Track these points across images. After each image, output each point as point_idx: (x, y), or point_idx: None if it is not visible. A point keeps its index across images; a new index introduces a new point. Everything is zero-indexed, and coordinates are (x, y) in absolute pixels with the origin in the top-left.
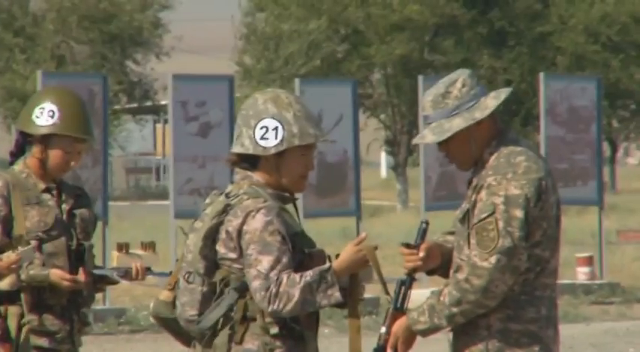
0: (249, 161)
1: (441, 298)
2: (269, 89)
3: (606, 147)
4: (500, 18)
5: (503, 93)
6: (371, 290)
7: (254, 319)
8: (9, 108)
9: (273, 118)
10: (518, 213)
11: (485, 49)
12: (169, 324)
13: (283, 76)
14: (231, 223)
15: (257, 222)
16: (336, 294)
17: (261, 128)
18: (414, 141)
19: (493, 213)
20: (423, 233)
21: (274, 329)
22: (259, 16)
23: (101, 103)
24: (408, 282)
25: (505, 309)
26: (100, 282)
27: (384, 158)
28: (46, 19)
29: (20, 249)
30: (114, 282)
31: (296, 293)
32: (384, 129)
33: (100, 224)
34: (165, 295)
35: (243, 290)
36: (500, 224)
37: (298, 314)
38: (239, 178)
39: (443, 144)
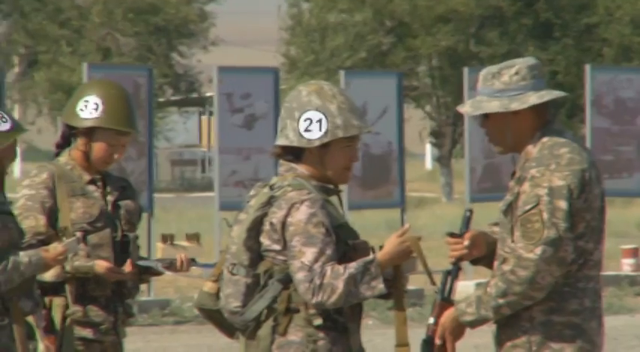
0: (294, 153)
1: (488, 289)
2: (312, 81)
3: None
4: (546, 9)
5: (550, 94)
6: (415, 282)
7: (297, 311)
8: (54, 100)
9: (317, 110)
10: (563, 205)
11: (530, 41)
12: (213, 316)
13: (329, 68)
14: (276, 215)
15: (301, 213)
16: (380, 286)
17: (305, 120)
18: (457, 107)
19: (537, 204)
20: (467, 221)
21: (318, 321)
22: (305, 7)
23: (146, 95)
24: (454, 272)
25: (548, 301)
26: (145, 273)
27: (428, 150)
28: (92, 12)
29: (65, 240)
30: (158, 273)
31: (340, 285)
32: (428, 120)
33: (145, 216)
34: (209, 286)
35: (286, 281)
36: (545, 215)
37: (342, 306)
38: (283, 170)
39: (484, 122)
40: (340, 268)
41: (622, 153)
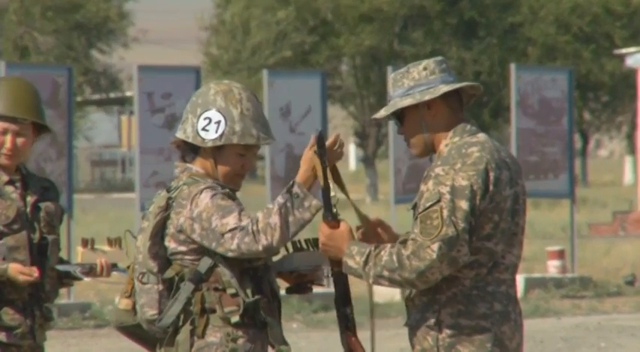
0: (191, 148)
1: (382, 254)
2: (226, 81)
3: (577, 140)
4: (470, 9)
5: (461, 83)
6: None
7: (213, 310)
8: None
9: (219, 111)
10: (464, 205)
11: (454, 40)
12: (134, 331)
13: (250, 66)
14: (181, 214)
15: (204, 199)
16: (314, 202)
17: (205, 119)
18: (372, 117)
19: (438, 201)
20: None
21: (235, 318)
22: (228, 5)
23: (65, 95)
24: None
25: (456, 304)
26: (66, 277)
27: (352, 150)
28: (9, 10)
29: None
30: (77, 278)
31: (276, 219)
32: (352, 120)
33: (64, 217)
34: (124, 303)
35: (198, 281)
36: (445, 212)
37: (289, 239)
38: (178, 171)
39: (400, 127)
40: (269, 206)
41: (547, 154)
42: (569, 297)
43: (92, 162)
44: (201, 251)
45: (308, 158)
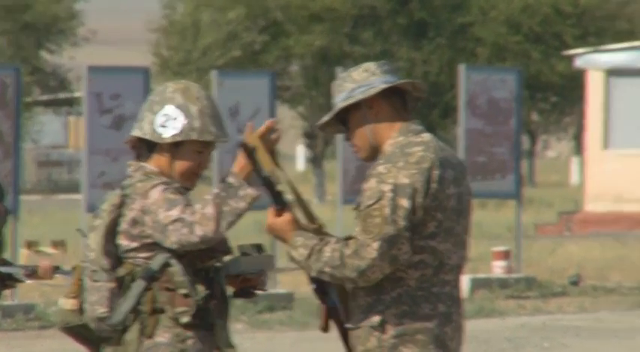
0: (148, 146)
1: (326, 249)
2: (184, 80)
3: (525, 140)
4: (420, 9)
5: (400, 81)
6: (284, 285)
7: (163, 311)
8: None
9: (177, 108)
10: (405, 203)
11: (404, 41)
12: (79, 332)
13: (200, 67)
14: (134, 210)
15: (156, 193)
16: (249, 191)
17: (163, 115)
18: (317, 124)
19: (380, 199)
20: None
21: (185, 319)
22: (178, 6)
23: (13, 95)
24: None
25: (401, 305)
26: (8, 279)
27: (301, 151)
28: None
29: None
30: (20, 281)
31: (211, 210)
32: (301, 121)
33: (10, 218)
34: (70, 304)
35: (149, 278)
36: (386, 211)
37: (225, 230)
38: (132, 170)
39: (347, 133)
40: (204, 197)
41: (495, 155)
42: (514, 297)
43: (39, 162)
44: (154, 248)
45: (239, 151)
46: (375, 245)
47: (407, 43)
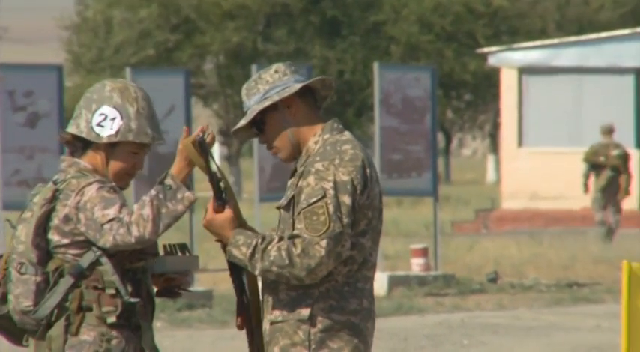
0: (82, 143)
1: (269, 248)
2: (121, 79)
3: (441, 138)
4: (332, 7)
5: (313, 79)
6: (203, 283)
7: (90, 309)
8: None
9: (115, 108)
10: (347, 200)
11: (317, 39)
12: (0, 323)
13: (114, 65)
14: (67, 206)
15: (91, 190)
16: (187, 194)
17: (100, 114)
18: (232, 130)
19: (323, 197)
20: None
21: (111, 319)
22: (90, 4)
23: None
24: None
25: (328, 300)
26: None
27: (217, 148)
28: None
29: None
30: None
31: (148, 211)
32: (216, 119)
33: None
34: None
35: (78, 275)
36: (331, 208)
37: (162, 231)
38: (66, 165)
39: (262, 135)
40: (143, 198)
41: (411, 153)
42: (432, 295)
43: None
44: (85, 245)
45: (182, 149)
46: (323, 243)
47: (320, 41)
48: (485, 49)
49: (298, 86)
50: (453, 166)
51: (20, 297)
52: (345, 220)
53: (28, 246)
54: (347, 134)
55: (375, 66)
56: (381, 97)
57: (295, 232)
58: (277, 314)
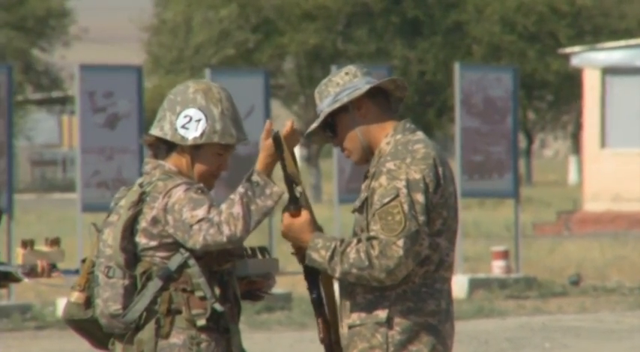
0: (167, 146)
1: (348, 250)
2: (204, 80)
3: (522, 139)
4: (414, 7)
5: (384, 80)
6: (282, 285)
7: (179, 312)
8: None
9: (200, 110)
10: (420, 198)
11: (398, 39)
12: (83, 326)
13: (193, 65)
14: (154, 208)
15: (179, 192)
16: (275, 189)
17: (185, 117)
18: (305, 133)
19: (397, 196)
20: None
21: (201, 322)
22: (169, 5)
23: (5, 94)
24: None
25: (406, 302)
26: (5, 279)
27: (296, 149)
28: None
29: None
30: (18, 280)
31: (239, 209)
32: (296, 119)
33: (5, 217)
34: (75, 296)
35: (167, 278)
36: (406, 207)
37: (253, 228)
38: (150, 168)
39: (336, 138)
40: (230, 197)
41: (492, 154)
42: (513, 298)
43: (32, 161)
44: (173, 248)
45: (266, 146)
46: (400, 242)
47: (401, 41)
48: (568, 50)
49: (368, 87)
50: (535, 167)
51: (109, 301)
52: (421, 218)
53: (116, 250)
54: (419, 134)
55: (456, 66)
56: (461, 98)
57: (372, 234)
58: (355, 317)
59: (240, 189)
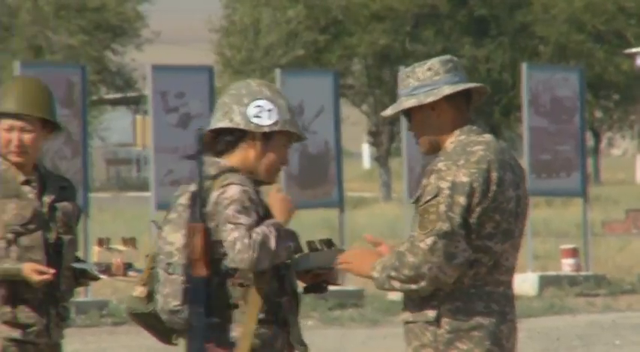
0: (231, 139)
1: (388, 257)
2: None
3: (590, 138)
4: (481, 7)
5: (464, 85)
6: (355, 282)
7: (237, 306)
8: None
9: (269, 100)
10: (462, 200)
11: (465, 39)
12: (145, 320)
13: (263, 66)
14: (209, 203)
15: (233, 190)
16: (290, 244)
17: (256, 107)
18: (381, 113)
19: (436, 195)
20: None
21: (259, 315)
22: (238, 6)
23: (80, 94)
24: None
25: (455, 302)
26: (82, 277)
27: (366, 149)
28: (22, 9)
29: None
30: (95, 278)
31: (272, 243)
32: (366, 119)
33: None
34: (139, 291)
35: (223, 273)
36: (442, 207)
37: (267, 268)
38: (207, 165)
39: (410, 124)
40: (270, 229)
41: (560, 153)
42: (583, 295)
43: (107, 160)
44: None
45: (279, 199)
46: (429, 240)
47: (468, 41)
48: (634, 49)
49: (444, 93)
50: (603, 166)
51: (169, 297)
52: (457, 220)
53: (177, 247)
54: (486, 136)
55: (523, 66)
56: (529, 98)
57: (412, 232)
58: (408, 314)
59: (275, 232)
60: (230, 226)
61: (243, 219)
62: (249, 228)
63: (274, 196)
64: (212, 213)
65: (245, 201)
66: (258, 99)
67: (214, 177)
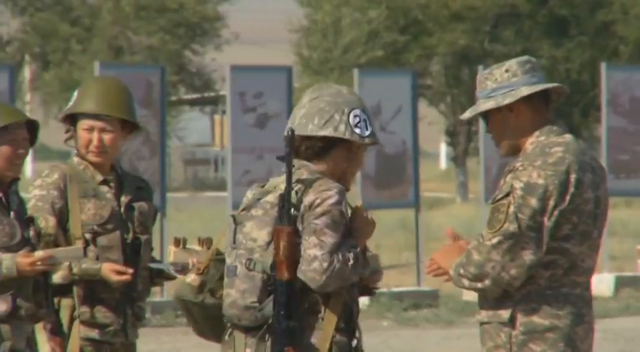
0: (324, 146)
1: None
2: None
3: None
4: (561, 6)
5: (542, 86)
6: (429, 283)
7: (318, 311)
8: (66, 99)
9: (363, 111)
10: (534, 203)
11: (545, 39)
12: (189, 308)
13: (342, 65)
14: (305, 200)
15: (332, 198)
16: (366, 271)
17: (355, 117)
18: (460, 116)
19: (508, 195)
20: None
21: (339, 323)
22: (318, 6)
23: (158, 95)
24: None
25: (530, 303)
26: (158, 277)
27: (443, 149)
28: (103, 10)
29: (64, 247)
30: (171, 277)
31: (347, 272)
32: (443, 119)
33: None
34: (192, 278)
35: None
36: (512, 208)
37: (327, 289)
38: (295, 168)
39: (488, 126)
40: (347, 256)
41: (638, 153)
42: None
43: (185, 160)
44: None
45: (366, 222)
46: (494, 240)
47: (548, 41)
48: None
49: (522, 93)
50: None
51: (246, 293)
52: (526, 222)
53: (262, 245)
54: (566, 137)
55: (602, 66)
56: (608, 98)
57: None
58: (483, 315)
59: (354, 255)
60: (314, 240)
61: (329, 238)
62: (332, 251)
63: (362, 218)
64: (304, 216)
65: (336, 215)
66: (355, 108)
67: (309, 181)
